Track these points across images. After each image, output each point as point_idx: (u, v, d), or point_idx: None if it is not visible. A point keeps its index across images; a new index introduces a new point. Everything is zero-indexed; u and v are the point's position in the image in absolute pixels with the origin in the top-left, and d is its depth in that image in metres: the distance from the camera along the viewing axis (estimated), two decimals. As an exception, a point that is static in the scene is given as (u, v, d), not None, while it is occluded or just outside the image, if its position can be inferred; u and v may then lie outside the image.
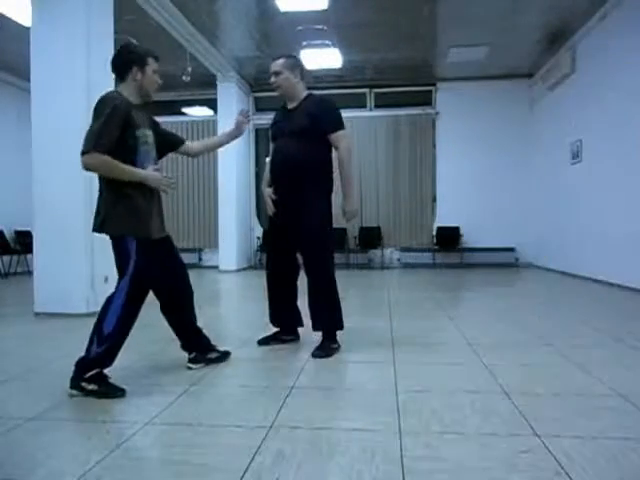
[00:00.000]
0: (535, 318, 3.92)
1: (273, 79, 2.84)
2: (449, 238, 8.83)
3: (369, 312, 4.45)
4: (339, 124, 2.80)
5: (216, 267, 8.70)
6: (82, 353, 2.13)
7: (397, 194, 9.17)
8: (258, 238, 9.34)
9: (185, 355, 2.56)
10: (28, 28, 4.36)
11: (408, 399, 2.05)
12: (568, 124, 7.21)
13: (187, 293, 2.48)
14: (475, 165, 8.94)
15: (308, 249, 2.80)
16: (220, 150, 8.49)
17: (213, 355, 2.61)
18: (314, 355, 2.73)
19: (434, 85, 9.05)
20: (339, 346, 2.86)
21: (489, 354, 2.76)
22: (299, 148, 2.74)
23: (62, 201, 4.16)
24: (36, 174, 4.28)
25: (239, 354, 2.84)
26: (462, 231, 8.88)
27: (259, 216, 9.64)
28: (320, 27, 6.58)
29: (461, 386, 2.22)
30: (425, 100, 9.14)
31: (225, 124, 8.46)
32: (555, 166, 7.75)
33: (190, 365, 2.52)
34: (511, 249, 8.81)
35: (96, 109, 2.06)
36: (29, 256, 7.24)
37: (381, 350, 2.89)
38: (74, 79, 4.21)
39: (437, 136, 9.12)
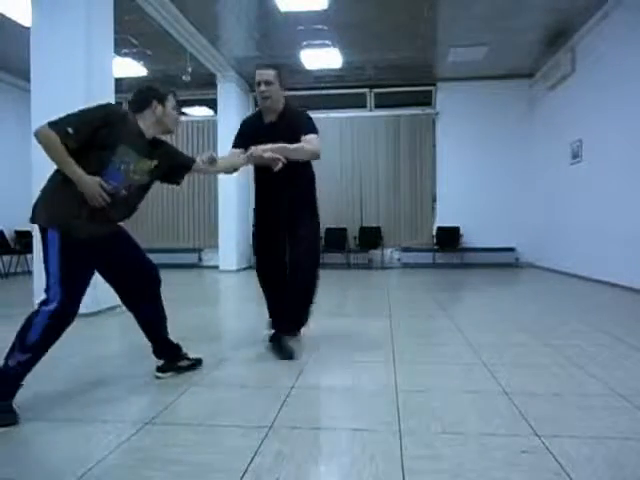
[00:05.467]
0: (535, 318, 3.92)
1: (263, 88, 2.71)
2: (449, 238, 8.83)
3: (369, 312, 4.45)
4: (313, 128, 2.80)
5: (216, 267, 8.70)
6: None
7: (397, 194, 9.17)
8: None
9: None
10: (28, 28, 4.36)
11: (408, 399, 2.05)
12: (568, 124, 7.21)
13: (145, 294, 2.34)
14: (475, 165, 8.94)
15: None
16: (220, 149, 8.57)
17: (184, 363, 2.48)
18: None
19: (434, 85, 9.05)
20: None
21: (489, 354, 2.76)
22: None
23: (62, 201, 4.15)
24: (36, 174, 4.27)
25: (239, 354, 2.84)
26: (462, 231, 8.88)
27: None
28: (320, 27, 6.59)
29: (461, 386, 2.22)
30: (425, 100, 9.14)
31: (225, 124, 8.48)
32: (555, 166, 7.75)
33: (158, 374, 2.40)
34: (511, 249, 8.82)
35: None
36: (29, 256, 7.24)
37: (381, 350, 2.89)
38: (74, 79, 4.21)
39: (437, 136, 9.11)
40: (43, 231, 1.98)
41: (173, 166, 2.41)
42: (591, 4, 5.96)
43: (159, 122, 2.26)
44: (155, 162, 2.26)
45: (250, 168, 2.91)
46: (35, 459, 1.59)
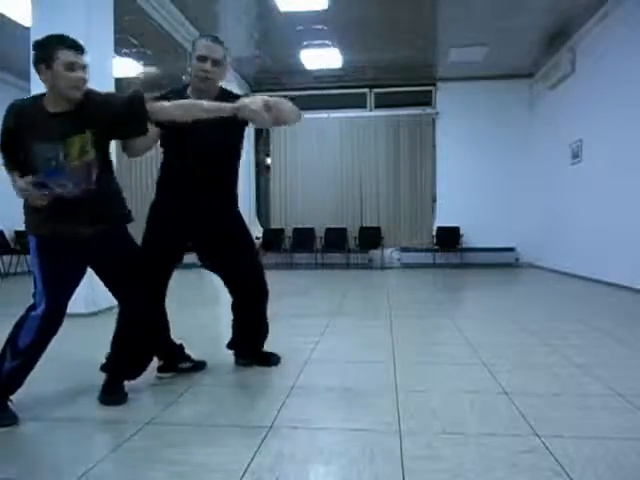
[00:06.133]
0: (535, 318, 3.92)
1: (209, 67, 2.16)
2: (449, 238, 8.83)
3: (369, 312, 4.45)
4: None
5: (216, 267, 8.70)
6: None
7: (397, 194, 9.17)
8: (257, 238, 9.34)
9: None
10: (28, 28, 4.36)
11: (408, 399, 2.05)
12: (568, 124, 7.21)
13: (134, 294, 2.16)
14: (475, 165, 8.94)
15: None
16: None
17: (186, 365, 2.45)
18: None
19: (434, 85, 9.05)
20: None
21: (489, 354, 2.75)
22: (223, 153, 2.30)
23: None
24: (36, 174, 4.28)
25: (239, 354, 2.84)
26: (462, 231, 8.88)
27: (259, 216, 9.65)
28: (320, 27, 6.59)
29: (461, 386, 2.22)
30: (425, 100, 9.15)
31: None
32: (555, 166, 7.75)
33: (158, 374, 2.37)
34: (511, 249, 8.81)
35: None
36: (29, 256, 7.23)
37: (381, 350, 2.89)
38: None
39: (437, 136, 9.12)
40: (28, 237, 1.96)
41: (118, 120, 1.88)
42: (591, 4, 5.96)
43: (53, 89, 1.75)
44: (91, 130, 1.82)
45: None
46: (35, 459, 1.59)
